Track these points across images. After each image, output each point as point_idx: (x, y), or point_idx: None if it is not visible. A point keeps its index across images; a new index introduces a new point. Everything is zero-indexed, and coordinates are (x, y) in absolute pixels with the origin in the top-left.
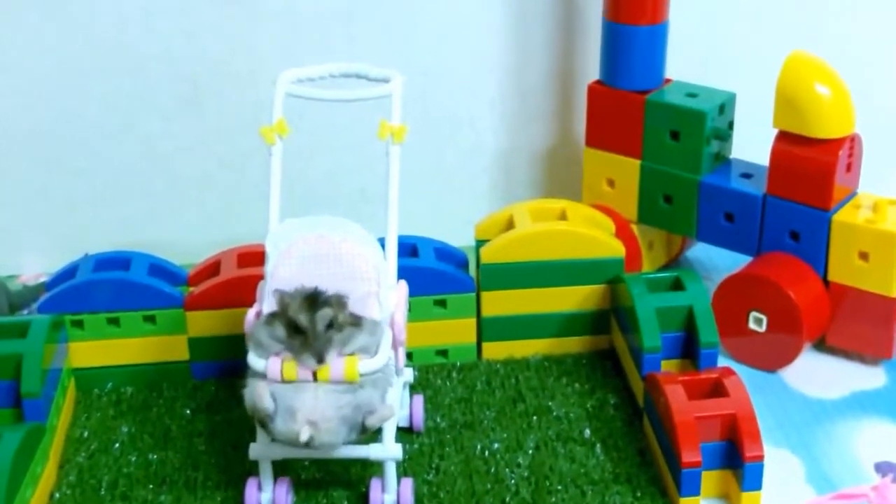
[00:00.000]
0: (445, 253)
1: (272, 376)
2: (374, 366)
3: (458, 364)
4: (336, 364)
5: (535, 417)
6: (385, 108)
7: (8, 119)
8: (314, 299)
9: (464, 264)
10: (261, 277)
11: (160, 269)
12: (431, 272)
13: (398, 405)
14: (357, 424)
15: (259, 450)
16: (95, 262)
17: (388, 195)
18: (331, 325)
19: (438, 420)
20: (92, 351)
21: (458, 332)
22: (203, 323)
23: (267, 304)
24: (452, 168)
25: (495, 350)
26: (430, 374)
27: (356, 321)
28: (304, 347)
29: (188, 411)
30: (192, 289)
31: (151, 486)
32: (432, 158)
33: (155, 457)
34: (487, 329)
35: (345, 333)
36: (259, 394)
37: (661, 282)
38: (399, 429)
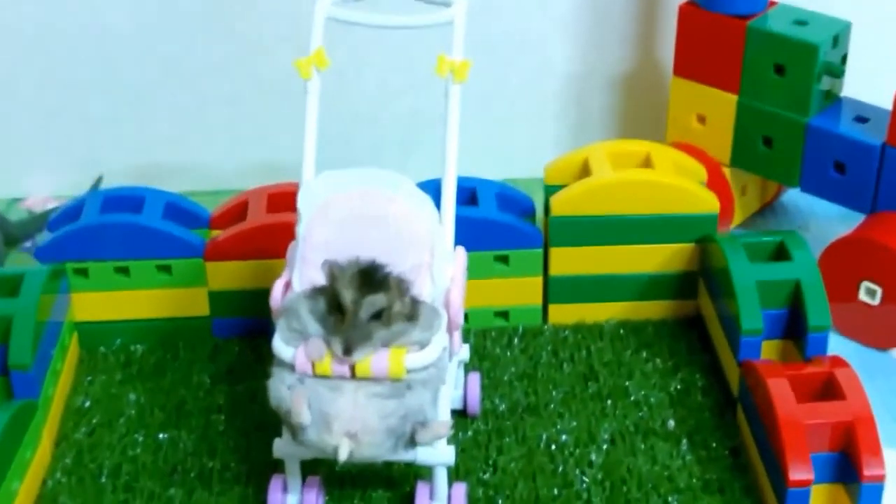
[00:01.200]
0: (509, 199)
1: (301, 370)
2: (426, 360)
3: (521, 329)
4: (379, 357)
5: (609, 402)
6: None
7: (18, 30)
8: (369, 277)
9: (530, 213)
10: (294, 225)
11: (178, 210)
12: (493, 224)
13: (452, 388)
14: (404, 434)
15: (285, 447)
16: (104, 201)
17: (446, 144)
18: (378, 315)
19: (497, 401)
20: (98, 303)
21: (521, 292)
22: (226, 275)
23: (298, 273)
24: (516, 93)
25: (563, 313)
26: (487, 341)
27: (413, 313)
28: (337, 330)
29: (207, 378)
30: (214, 234)
31: (160, 476)
32: (494, 82)
33: (166, 436)
34: (555, 290)
35: (392, 330)
36: (296, 409)
37: (763, 247)
38: (452, 411)
